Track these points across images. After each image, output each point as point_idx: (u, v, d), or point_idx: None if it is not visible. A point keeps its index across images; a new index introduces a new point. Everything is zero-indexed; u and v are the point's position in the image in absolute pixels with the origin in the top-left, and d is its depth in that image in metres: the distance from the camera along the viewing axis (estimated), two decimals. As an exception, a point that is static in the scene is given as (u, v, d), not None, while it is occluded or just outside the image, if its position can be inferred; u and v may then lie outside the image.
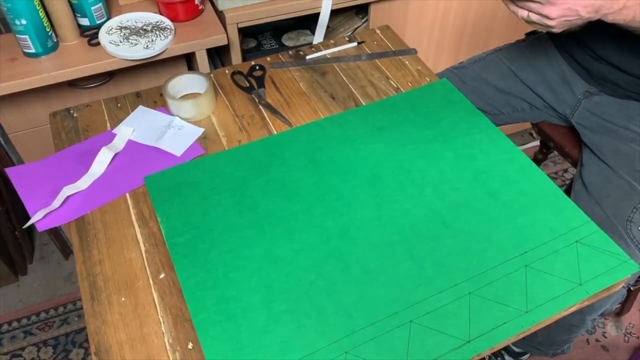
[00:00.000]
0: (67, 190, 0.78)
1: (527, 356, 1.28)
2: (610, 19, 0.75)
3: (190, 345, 0.63)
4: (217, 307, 0.65)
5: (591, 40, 0.99)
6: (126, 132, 0.88)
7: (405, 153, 0.83)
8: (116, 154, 0.85)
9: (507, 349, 1.27)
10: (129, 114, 0.92)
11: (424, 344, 0.62)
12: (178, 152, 0.85)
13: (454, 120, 0.88)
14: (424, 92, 0.94)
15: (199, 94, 0.92)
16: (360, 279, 0.68)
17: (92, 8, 1.09)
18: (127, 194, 0.79)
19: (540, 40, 1.13)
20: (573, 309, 0.66)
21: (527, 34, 1.18)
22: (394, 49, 1.04)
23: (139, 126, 0.89)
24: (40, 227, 0.76)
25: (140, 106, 0.93)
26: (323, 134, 0.86)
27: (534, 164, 0.80)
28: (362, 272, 0.68)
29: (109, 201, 0.78)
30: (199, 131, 0.88)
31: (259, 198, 0.77)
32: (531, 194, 0.77)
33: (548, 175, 0.80)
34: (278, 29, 1.38)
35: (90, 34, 1.10)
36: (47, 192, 0.79)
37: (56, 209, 0.77)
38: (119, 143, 0.86)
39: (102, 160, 0.83)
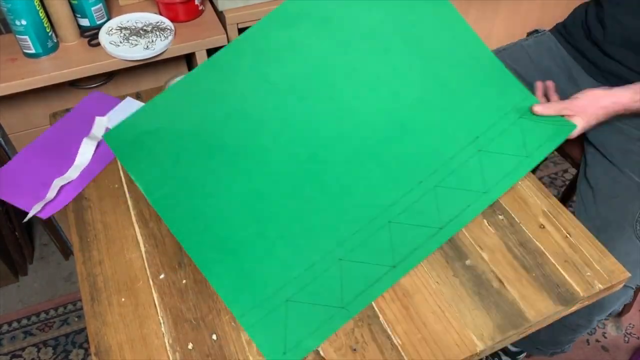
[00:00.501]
0: (59, 182, 0.79)
1: (523, 355, 1.27)
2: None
3: (190, 346, 0.63)
4: (216, 247, 0.68)
5: (603, 39, 0.98)
6: (102, 121, 0.88)
7: (355, 51, 0.82)
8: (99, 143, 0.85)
9: (504, 349, 1.27)
10: (129, 114, 0.92)
11: (404, 239, 0.68)
12: None
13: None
14: None
15: (199, 94, 0.91)
16: (338, 194, 0.72)
17: (93, 8, 1.10)
18: (127, 195, 0.79)
19: (543, 39, 1.12)
20: (574, 308, 0.66)
21: (530, 33, 1.18)
22: (394, 49, 1.04)
23: (120, 116, 0.87)
24: (44, 215, 0.77)
25: (128, 97, 0.92)
26: (267, 42, 0.82)
27: (479, 39, 0.82)
28: (339, 188, 0.72)
29: (101, 170, 0.81)
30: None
31: (224, 136, 0.76)
32: (478, 75, 0.80)
33: (548, 175, 0.80)
34: (278, 29, 1.38)
35: (90, 35, 1.10)
36: (36, 187, 0.80)
37: (51, 200, 0.78)
38: (97, 133, 0.86)
39: (85, 152, 0.83)
